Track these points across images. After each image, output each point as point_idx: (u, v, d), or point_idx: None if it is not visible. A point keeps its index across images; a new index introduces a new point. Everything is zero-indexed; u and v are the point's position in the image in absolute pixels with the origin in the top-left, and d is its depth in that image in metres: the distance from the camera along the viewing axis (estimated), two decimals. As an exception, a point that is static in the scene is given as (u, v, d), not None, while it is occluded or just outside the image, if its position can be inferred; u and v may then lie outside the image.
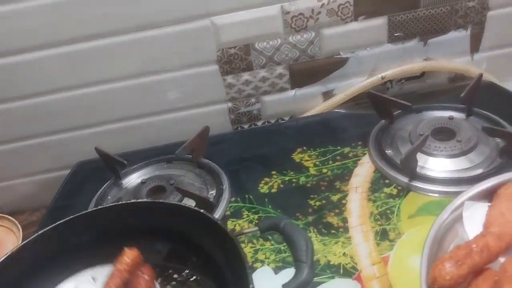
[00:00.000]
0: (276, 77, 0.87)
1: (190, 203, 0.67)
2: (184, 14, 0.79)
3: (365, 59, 0.87)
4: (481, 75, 0.78)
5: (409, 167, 0.69)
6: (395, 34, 0.85)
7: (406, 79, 0.91)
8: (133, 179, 0.79)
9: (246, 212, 0.70)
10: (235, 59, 0.84)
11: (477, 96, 0.80)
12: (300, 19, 0.82)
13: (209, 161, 0.80)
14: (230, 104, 0.89)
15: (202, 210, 0.50)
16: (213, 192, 0.74)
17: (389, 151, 0.75)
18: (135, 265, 0.50)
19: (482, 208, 0.54)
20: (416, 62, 0.88)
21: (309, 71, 0.87)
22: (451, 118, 0.77)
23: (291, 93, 0.89)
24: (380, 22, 0.84)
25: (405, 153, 0.67)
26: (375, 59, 0.87)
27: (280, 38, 0.83)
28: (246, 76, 0.86)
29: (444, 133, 0.75)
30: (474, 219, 0.54)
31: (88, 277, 0.53)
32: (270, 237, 0.65)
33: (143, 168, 0.81)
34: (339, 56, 0.86)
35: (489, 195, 0.56)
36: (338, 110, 0.90)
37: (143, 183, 0.75)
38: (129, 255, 0.51)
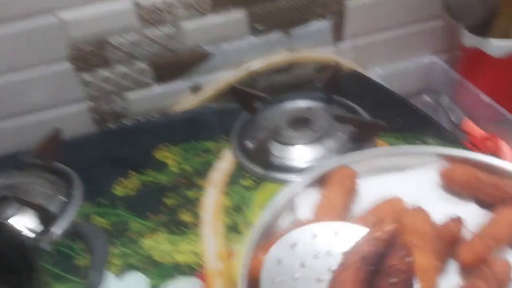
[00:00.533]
0: (138, 73, 0.83)
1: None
2: (27, 9, 0.73)
3: (230, 52, 0.86)
4: (338, 64, 0.80)
5: (262, 157, 0.68)
6: (257, 27, 0.85)
7: (274, 71, 0.90)
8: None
9: (95, 217, 0.66)
10: (89, 56, 0.79)
11: (340, 85, 0.82)
12: (156, 13, 0.78)
13: (63, 166, 0.75)
14: (91, 103, 0.84)
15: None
16: (62, 198, 0.69)
17: (249, 143, 0.75)
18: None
19: (313, 194, 0.54)
20: (281, 54, 0.88)
21: (173, 65, 0.84)
22: (309, 108, 0.77)
23: (156, 89, 0.86)
24: (239, 14, 0.83)
25: (254, 144, 0.66)
26: (239, 52, 0.86)
27: (136, 32, 0.79)
28: (104, 72, 0.81)
29: (301, 122, 0.75)
30: (305, 205, 0.54)
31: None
32: (117, 241, 0.62)
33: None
34: (202, 49, 0.84)
35: (321, 181, 0.56)
36: (207, 105, 0.88)
37: (-19, 194, 0.69)
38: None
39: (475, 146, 0.84)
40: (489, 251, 0.44)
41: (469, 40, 0.88)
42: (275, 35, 0.86)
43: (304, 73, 0.92)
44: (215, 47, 0.85)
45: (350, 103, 0.79)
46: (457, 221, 0.46)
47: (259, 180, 0.68)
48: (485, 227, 0.46)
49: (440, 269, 0.42)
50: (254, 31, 0.85)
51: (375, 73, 0.95)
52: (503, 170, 0.52)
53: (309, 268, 0.42)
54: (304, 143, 0.71)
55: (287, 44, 0.88)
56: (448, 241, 0.45)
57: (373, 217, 0.48)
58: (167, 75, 0.85)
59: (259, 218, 0.51)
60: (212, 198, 0.67)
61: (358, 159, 0.57)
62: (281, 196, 0.54)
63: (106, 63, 0.81)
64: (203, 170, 0.72)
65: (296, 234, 0.45)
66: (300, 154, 0.71)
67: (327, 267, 0.41)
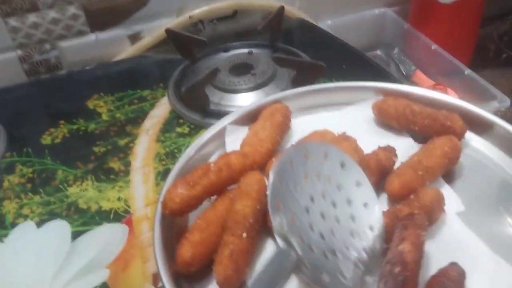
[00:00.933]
0: (70, 19, 0.77)
1: None
2: None
3: (169, -3, 0.81)
4: (282, 7, 0.76)
5: (196, 103, 0.64)
6: (197, -31, 0.80)
7: (218, 19, 0.86)
8: None
9: (20, 166, 0.61)
10: (14, -2, 0.73)
11: (283, 32, 0.78)
12: (85, -50, 0.73)
13: (-12, 116, 0.69)
14: (19, 52, 0.78)
15: None
16: (-17, 148, 0.64)
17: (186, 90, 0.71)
18: None
19: (244, 131, 0.51)
20: (225, 1, 0.84)
21: (108, 11, 0.79)
22: (250, 53, 0.74)
23: (92, 37, 0.80)
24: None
25: (185, 87, 0.62)
26: (180, -3, 0.81)
27: (65, -28, 0.74)
28: (32, 17, 0.75)
29: (242, 68, 0.72)
30: (236, 143, 0.50)
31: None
32: (41, 190, 0.58)
33: None
34: (139, -7, 0.79)
35: (254, 119, 0.53)
36: (148, 55, 0.83)
37: None
38: None
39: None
40: (419, 181, 0.42)
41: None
42: (218, -21, 0.82)
43: (250, 21, 0.88)
44: (153, -9, 0.80)
45: (294, 49, 0.76)
46: (387, 150, 0.44)
47: (196, 127, 0.65)
48: (417, 157, 0.44)
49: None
50: (195, -26, 0.80)
51: (325, 24, 0.92)
52: (440, 102, 0.51)
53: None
54: (245, 89, 0.68)
55: (231, -10, 0.84)
56: (376, 170, 0.43)
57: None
58: (102, 22, 0.80)
59: (183, 153, 0.48)
60: (144, 146, 0.63)
61: (292, 96, 0.54)
62: (208, 131, 0.51)
63: (34, 7, 0.74)
64: (137, 118, 0.67)
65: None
66: (241, 100, 0.67)
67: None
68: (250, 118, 0.53)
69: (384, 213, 0.39)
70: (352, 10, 0.94)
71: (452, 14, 0.84)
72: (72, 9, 0.77)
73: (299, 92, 0.54)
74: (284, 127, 0.50)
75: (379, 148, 0.45)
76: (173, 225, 0.43)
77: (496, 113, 0.72)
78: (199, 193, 0.41)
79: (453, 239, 0.40)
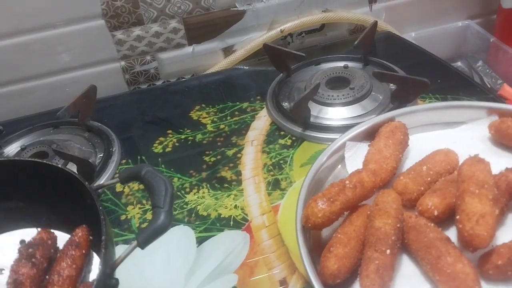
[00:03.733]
0: (171, 32, 0.82)
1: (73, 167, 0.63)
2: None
3: (263, 12, 0.84)
4: (375, 23, 0.78)
5: (301, 117, 0.67)
6: (291, -15, 0.83)
7: (306, 32, 0.89)
8: (13, 148, 0.72)
9: (137, 173, 0.66)
10: (122, 13, 0.78)
11: (375, 46, 0.80)
12: (190, -31, 0.77)
13: (99, 124, 0.75)
14: (123, 63, 0.83)
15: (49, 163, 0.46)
16: (101, 155, 0.69)
17: (286, 103, 0.74)
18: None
19: (363, 147, 0.54)
20: (315, 14, 0.87)
21: (206, 25, 0.83)
22: (346, 67, 0.76)
23: (189, 49, 0.85)
24: (273, -30, 0.81)
25: (294, 102, 0.65)
26: (273, 11, 0.84)
27: (170, -11, 0.78)
28: (137, 31, 0.80)
29: (338, 82, 0.74)
30: (355, 159, 0.53)
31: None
32: (160, 196, 0.62)
33: (25, 135, 0.74)
34: (235, 8, 0.83)
35: (371, 135, 0.55)
36: (239, 67, 0.87)
37: (22, 149, 0.68)
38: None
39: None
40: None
41: (508, 2, 0.86)
42: (309, -5, 0.85)
43: (337, 34, 0.91)
44: (248, 6, 0.83)
45: (387, 63, 0.78)
46: (515, 171, 0.46)
47: (298, 139, 0.68)
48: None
49: (497, 216, 0.41)
50: (289, -10, 0.83)
51: (409, 36, 0.93)
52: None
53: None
54: (342, 103, 0.71)
55: (321, 4, 0.86)
56: (506, 192, 0.44)
57: (425, 168, 0.48)
58: (200, 35, 0.84)
59: (307, 174, 0.51)
60: (251, 156, 0.67)
61: (406, 113, 0.56)
62: (330, 147, 0.53)
63: (139, 21, 0.79)
64: (240, 130, 0.71)
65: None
66: (339, 114, 0.70)
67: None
68: (366, 134, 0.55)
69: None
70: (435, 22, 0.95)
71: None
72: (173, 23, 0.81)
73: (413, 110, 0.56)
74: (404, 145, 0.52)
75: (507, 169, 0.46)
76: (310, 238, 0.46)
77: None
78: (338, 209, 0.44)
79: None
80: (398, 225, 0.42)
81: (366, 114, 0.69)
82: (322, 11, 0.87)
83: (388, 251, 0.40)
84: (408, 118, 0.56)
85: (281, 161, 0.65)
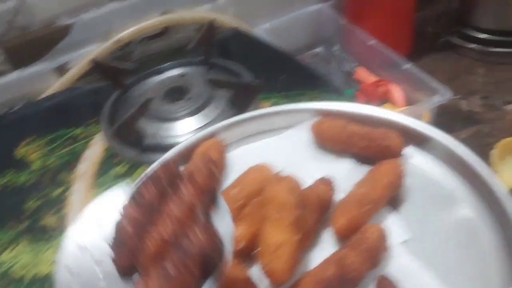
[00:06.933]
0: (-14, 60, 0.72)
1: None
2: None
3: (93, 23, 0.76)
4: (211, 22, 0.72)
5: (131, 140, 0.61)
6: (116, -11, 0.75)
7: (149, 38, 0.82)
8: None
9: None
10: None
11: (214, 45, 0.75)
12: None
13: None
14: None
15: None
16: None
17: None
18: None
19: (177, 175, 0.48)
20: (153, 18, 0.79)
21: (29, 45, 0.74)
22: (182, 75, 0.70)
23: (13, 75, 0.75)
24: (93, -23, 0.73)
25: (116, 125, 0.58)
26: (105, 20, 0.76)
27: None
28: None
29: (177, 92, 0.68)
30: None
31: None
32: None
33: None
34: (59, 23, 0.74)
35: (188, 157, 0.50)
36: (77, 86, 0.78)
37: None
38: None
39: (367, 93, 0.81)
40: (365, 217, 0.40)
41: (351, -19, 0.84)
42: (129, -2, 0.77)
43: (184, 36, 0.84)
44: (74, 19, 0.74)
45: (230, 64, 0.73)
46: (327, 183, 0.42)
47: (134, 165, 0.61)
48: (362, 188, 0.42)
49: (300, 241, 0.37)
50: (115, -5, 0.76)
51: (263, 28, 0.89)
52: (378, 118, 0.49)
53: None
54: (182, 116, 0.65)
55: (159, 5, 0.79)
56: (317, 206, 0.41)
57: (237, 190, 0.43)
58: (25, 58, 0.74)
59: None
60: (79, 195, 0.59)
61: (226, 127, 0.51)
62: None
63: None
64: (70, 162, 0.63)
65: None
66: (179, 128, 0.64)
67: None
68: (185, 158, 0.49)
69: (330, 260, 0.37)
70: (289, 10, 0.91)
71: (385, 5, 0.83)
72: (-14, 49, 0.71)
73: (232, 123, 0.51)
74: (220, 167, 0.47)
75: (317, 181, 0.42)
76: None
77: (438, 107, 0.71)
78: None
79: (398, 271, 0.38)
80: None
81: (210, 123, 0.64)
82: (161, 13, 0.80)
83: None
84: (230, 131, 0.51)
85: (114, 194, 0.58)
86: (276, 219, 0.37)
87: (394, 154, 0.45)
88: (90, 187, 0.59)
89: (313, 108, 0.51)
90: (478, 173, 0.42)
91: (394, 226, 0.41)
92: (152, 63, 0.77)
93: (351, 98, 0.82)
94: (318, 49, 0.96)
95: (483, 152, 0.74)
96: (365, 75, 0.83)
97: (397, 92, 0.78)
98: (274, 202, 0.38)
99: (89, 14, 0.75)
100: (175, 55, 0.83)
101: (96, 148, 0.65)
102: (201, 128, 0.63)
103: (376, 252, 0.37)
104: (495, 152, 0.69)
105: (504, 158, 0.70)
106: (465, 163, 0.43)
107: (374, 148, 0.45)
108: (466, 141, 0.82)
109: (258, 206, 0.41)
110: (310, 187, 0.42)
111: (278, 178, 0.40)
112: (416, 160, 0.46)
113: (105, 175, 0.60)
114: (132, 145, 0.62)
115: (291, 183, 0.40)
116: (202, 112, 0.65)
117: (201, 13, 0.82)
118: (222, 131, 0.51)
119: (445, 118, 0.80)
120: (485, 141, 0.76)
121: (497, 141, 0.71)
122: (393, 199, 0.43)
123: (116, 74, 0.69)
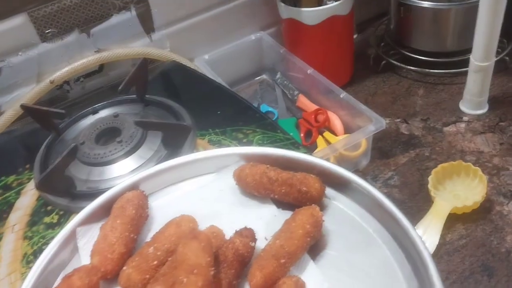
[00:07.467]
0: None
1: None
2: None
3: (23, 66, 0.74)
4: (142, 62, 0.71)
5: (59, 189, 0.59)
6: (47, 31, 0.73)
7: (84, 76, 0.80)
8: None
9: None
10: None
11: (158, 80, 0.74)
12: None
13: None
14: None
15: None
16: None
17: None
18: None
19: (97, 231, 0.47)
20: (87, 57, 0.78)
21: (-45, 92, 0.72)
22: (116, 115, 0.69)
23: None
24: (20, 20, 0.71)
25: (41, 176, 0.57)
26: (35, 63, 0.75)
27: None
28: None
29: (110, 134, 0.67)
30: (87, 246, 0.46)
31: None
32: None
33: None
34: (-16, 68, 0.72)
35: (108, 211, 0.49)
36: (10, 130, 0.76)
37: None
38: None
39: (308, 122, 0.81)
40: (282, 271, 0.40)
41: (285, 11, 0.85)
42: (71, 38, 0.76)
43: (121, 72, 0.83)
44: (3, 62, 0.73)
45: (166, 100, 0.72)
46: (244, 234, 0.42)
47: (65, 214, 0.59)
48: (278, 240, 0.41)
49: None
50: (45, 37, 0.74)
51: (203, 60, 0.89)
52: (299, 161, 0.49)
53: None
54: (114, 159, 0.63)
55: (90, 44, 0.78)
56: (235, 261, 0.40)
57: (153, 248, 0.42)
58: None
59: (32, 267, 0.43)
60: (9, 247, 0.57)
61: (148, 177, 0.50)
62: (56, 240, 0.46)
63: None
64: (1, 213, 0.61)
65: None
66: (113, 172, 0.63)
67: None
68: (106, 210, 0.48)
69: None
70: (228, 40, 0.91)
71: (321, 34, 0.83)
72: None
73: (154, 172, 0.50)
74: (139, 220, 0.46)
75: (236, 233, 0.42)
76: None
77: (378, 133, 0.72)
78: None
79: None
80: None
81: (143, 165, 0.63)
82: (95, 51, 0.79)
83: None
84: (153, 180, 0.50)
85: (44, 247, 0.56)
86: (186, 284, 0.36)
87: (313, 199, 0.45)
88: (21, 239, 0.57)
89: (236, 153, 0.51)
90: (394, 216, 0.43)
91: (312, 277, 0.41)
92: (89, 102, 0.75)
93: (293, 127, 0.83)
94: (264, 76, 0.97)
95: (423, 177, 0.76)
96: (306, 103, 0.84)
97: (335, 120, 0.78)
98: (183, 265, 0.37)
99: (17, 58, 0.73)
100: (113, 92, 0.82)
101: (28, 196, 0.63)
102: (134, 170, 0.62)
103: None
104: (432, 178, 0.70)
105: (441, 183, 0.72)
106: (382, 207, 0.44)
107: (294, 193, 0.45)
108: (405, 166, 0.84)
109: (172, 267, 0.40)
110: (228, 241, 0.41)
111: (193, 236, 0.39)
112: (336, 203, 0.47)
113: (36, 225, 0.59)
114: (62, 193, 0.60)
115: (203, 241, 0.39)
116: (135, 153, 0.64)
117: (136, 49, 0.81)
118: (143, 181, 0.50)
119: (385, 143, 0.82)
120: (424, 165, 0.78)
121: (436, 164, 0.73)
122: (312, 247, 0.43)
123: (48, 117, 0.68)
